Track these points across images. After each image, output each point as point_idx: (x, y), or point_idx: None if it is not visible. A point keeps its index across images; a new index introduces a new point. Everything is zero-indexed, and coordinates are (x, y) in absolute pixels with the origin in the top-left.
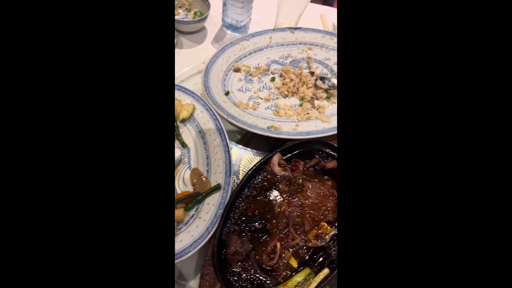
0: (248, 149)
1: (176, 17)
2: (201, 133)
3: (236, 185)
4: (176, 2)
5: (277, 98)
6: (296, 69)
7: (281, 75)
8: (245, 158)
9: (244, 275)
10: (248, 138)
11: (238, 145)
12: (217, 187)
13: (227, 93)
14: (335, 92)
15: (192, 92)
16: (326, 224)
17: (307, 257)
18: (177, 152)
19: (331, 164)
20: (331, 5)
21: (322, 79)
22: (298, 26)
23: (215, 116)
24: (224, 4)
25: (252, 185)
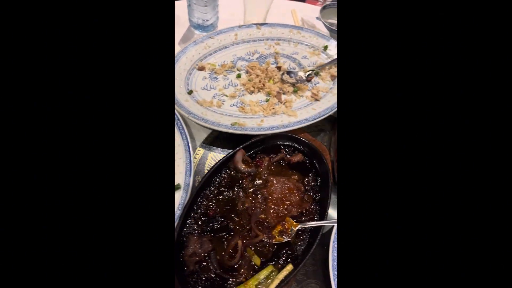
0: (213, 147)
1: None
2: None
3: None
4: None
5: (243, 94)
6: (263, 64)
7: (247, 72)
8: (210, 157)
9: (205, 276)
10: (213, 137)
11: (203, 144)
12: (177, 188)
13: (190, 92)
14: (302, 85)
15: None
16: (291, 219)
17: (271, 254)
18: None
19: (297, 158)
20: (303, 0)
21: (289, 73)
22: (266, 22)
23: (176, 115)
24: (189, 5)
25: (214, 183)
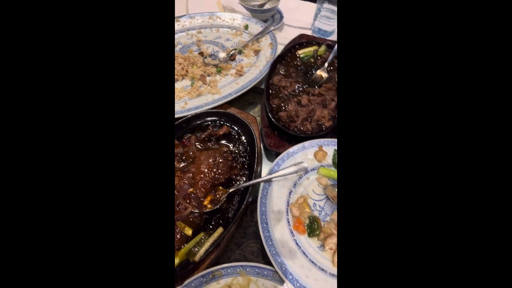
0: None
1: None
2: None
3: None
4: None
5: None
6: (186, 53)
7: None
8: None
9: None
10: None
11: None
12: None
13: None
14: (226, 65)
15: None
16: (221, 188)
17: (203, 223)
18: None
19: (222, 130)
20: None
21: (212, 56)
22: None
23: None
24: None
25: None
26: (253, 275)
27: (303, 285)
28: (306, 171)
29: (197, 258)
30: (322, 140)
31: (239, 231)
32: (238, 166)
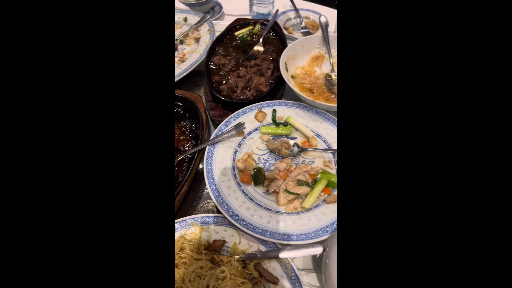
0: None
1: None
2: None
3: None
4: None
5: None
6: None
7: None
8: None
9: None
10: None
11: None
12: None
13: None
14: None
15: None
16: None
17: None
18: None
19: None
20: None
21: None
22: None
23: None
24: None
25: None
26: (204, 224)
27: (249, 223)
28: (243, 127)
29: None
30: (261, 103)
31: (195, 195)
32: (186, 138)
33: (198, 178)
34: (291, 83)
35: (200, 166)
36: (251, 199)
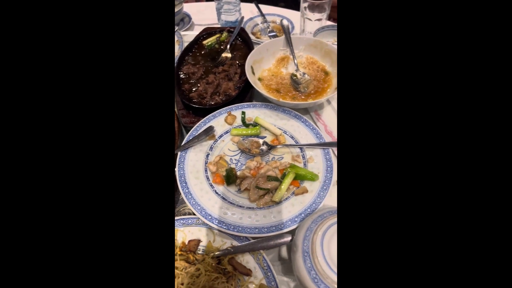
0: None
1: None
2: None
3: None
4: None
5: None
6: None
7: None
8: None
9: None
10: None
11: None
12: None
13: None
14: None
15: None
16: None
17: None
18: None
19: None
20: None
21: None
22: None
23: None
24: None
25: None
26: (179, 226)
27: (222, 220)
28: (213, 131)
29: None
30: (230, 106)
31: None
32: None
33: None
34: (257, 86)
35: None
36: (224, 198)
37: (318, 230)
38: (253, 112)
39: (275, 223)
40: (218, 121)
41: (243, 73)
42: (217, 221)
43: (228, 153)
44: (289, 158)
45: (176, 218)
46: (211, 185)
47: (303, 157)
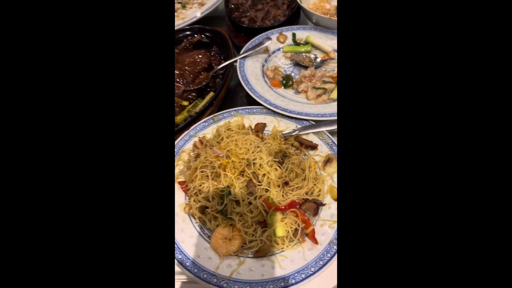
0: None
1: None
2: None
3: None
4: None
5: None
6: None
7: None
8: None
9: None
10: None
11: None
12: None
13: None
14: (187, 0)
15: None
16: (205, 72)
17: (195, 97)
18: None
19: (196, 38)
20: None
21: None
22: None
23: None
24: None
25: None
26: (245, 114)
27: (286, 108)
28: (269, 41)
29: (197, 109)
30: (281, 28)
31: (229, 102)
32: (216, 60)
33: (230, 91)
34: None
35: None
36: (282, 95)
37: None
38: (303, 33)
39: (336, 111)
40: (270, 39)
41: (290, 2)
42: (281, 108)
43: (282, 66)
44: None
45: (240, 108)
46: (270, 87)
47: None
